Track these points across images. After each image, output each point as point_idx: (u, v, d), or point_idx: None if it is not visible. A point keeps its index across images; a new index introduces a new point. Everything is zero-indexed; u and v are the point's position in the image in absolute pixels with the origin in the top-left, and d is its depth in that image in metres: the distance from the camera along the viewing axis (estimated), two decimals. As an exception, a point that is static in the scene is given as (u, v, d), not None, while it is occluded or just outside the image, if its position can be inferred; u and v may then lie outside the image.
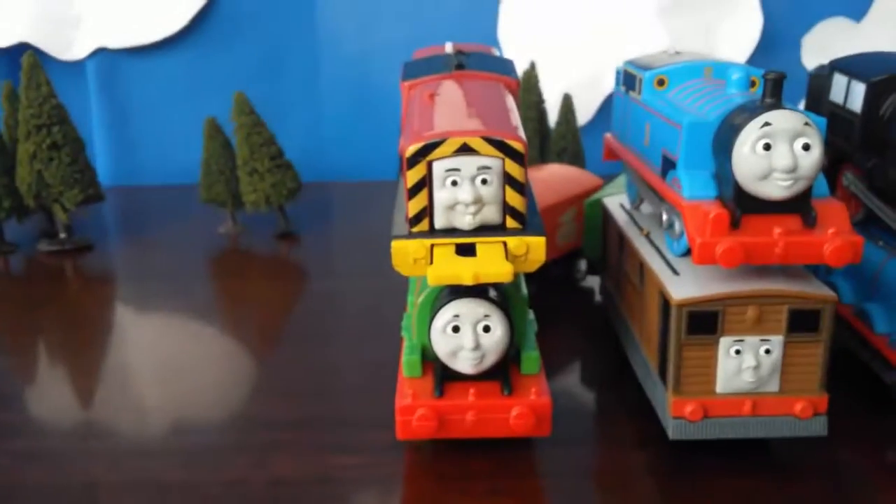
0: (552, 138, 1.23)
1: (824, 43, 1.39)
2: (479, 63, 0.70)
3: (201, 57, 1.42)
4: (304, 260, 1.08)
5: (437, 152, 0.54)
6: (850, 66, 0.72)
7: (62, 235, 1.10)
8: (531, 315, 0.64)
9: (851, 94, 0.70)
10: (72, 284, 1.00)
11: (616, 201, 0.80)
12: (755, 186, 0.53)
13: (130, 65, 1.42)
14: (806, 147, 0.52)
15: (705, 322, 0.56)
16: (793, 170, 0.52)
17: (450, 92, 0.64)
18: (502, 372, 0.59)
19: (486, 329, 0.57)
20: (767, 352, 0.56)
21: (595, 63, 1.37)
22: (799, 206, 0.54)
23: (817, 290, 0.56)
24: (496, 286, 0.60)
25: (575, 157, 1.21)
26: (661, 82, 0.67)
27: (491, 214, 0.56)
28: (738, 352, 0.56)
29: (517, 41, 1.39)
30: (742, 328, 0.56)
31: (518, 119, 0.60)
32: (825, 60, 0.87)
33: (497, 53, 0.79)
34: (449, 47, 0.76)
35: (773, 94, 0.54)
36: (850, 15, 1.38)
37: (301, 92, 1.43)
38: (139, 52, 1.40)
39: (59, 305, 0.91)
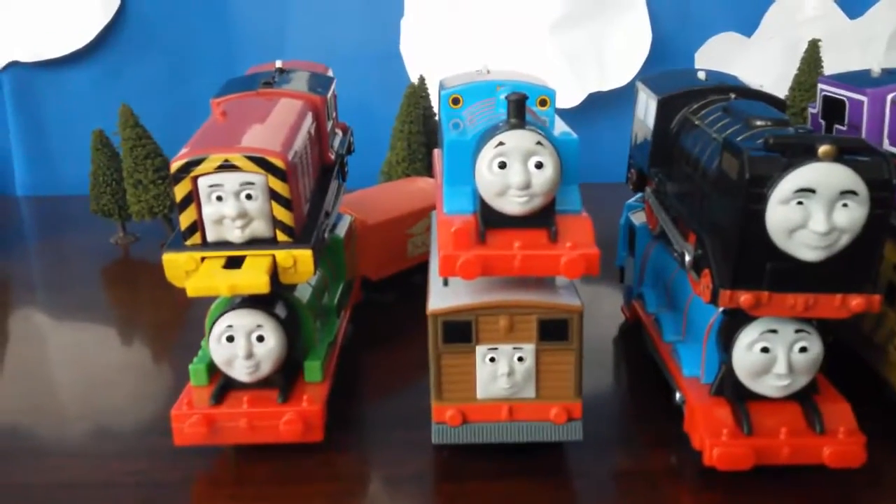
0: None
1: (717, 56, 1.42)
2: (291, 81, 0.73)
3: (112, 69, 1.44)
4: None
5: (200, 169, 0.57)
6: (651, 83, 0.75)
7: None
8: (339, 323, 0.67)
9: (648, 110, 0.73)
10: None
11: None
12: (495, 202, 0.56)
13: (43, 78, 1.44)
14: (539, 165, 0.55)
15: (460, 331, 0.58)
16: (526, 187, 0.55)
17: (240, 110, 0.66)
18: (283, 380, 0.61)
19: (260, 339, 0.60)
20: (521, 359, 0.59)
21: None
22: (542, 220, 0.57)
23: (565, 300, 0.59)
24: (283, 297, 0.63)
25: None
26: (455, 101, 0.69)
27: (261, 228, 0.59)
28: (492, 359, 0.59)
29: (418, 55, 1.42)
30: (495, 337, 0.58)
31: (297, 136, 0.62)
32: None
33: (328, 72, 0.81)
34: (278, 64, 0.79)
35: (517, 114, 0.56)
36: (741, 30, 1.42)
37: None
38: (51, 65, 1.43)
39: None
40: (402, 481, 0.61)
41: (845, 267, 0.53)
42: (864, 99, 0.69)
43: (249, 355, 0.59)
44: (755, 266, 0.54)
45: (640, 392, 0.73)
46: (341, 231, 0.79)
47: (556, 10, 1.37)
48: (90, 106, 1.44)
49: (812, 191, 0.51)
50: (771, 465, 0.57)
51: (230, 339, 0.59)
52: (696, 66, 1.43)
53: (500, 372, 0.59)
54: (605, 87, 1.39)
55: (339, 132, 0.79)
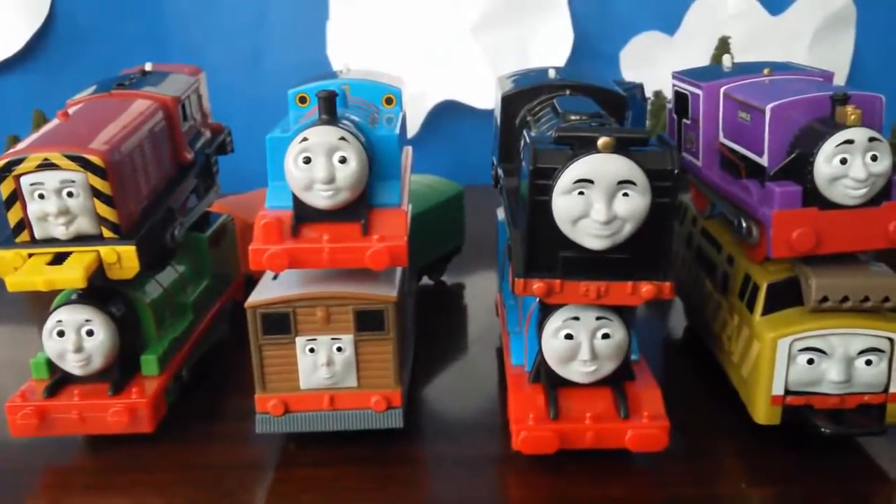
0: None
1: (641, 56, 1.43)
2: (148, 83, 0.75)
3: (43, 77, 1.46)
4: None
5: (21, 168, 0.59)
6: (503, 80, 0.76)
7: None
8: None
9: (497, 106, 0.75)
10: None
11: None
12: (303, 196, 0.58)
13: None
14: (343, 160, 0.56)
15: (279, 323, 0.60)
16: (330, 181, 0.56)
17: (86, 111, 0.68)
18: (117, 373, 0.63)
19: (90, 333, 0.61)
20: (340, 350, 0.60)
21: (418, 79, 1.42)
22: (353, 214, 0.59)
23: (380, 292, 0.60)
24: (122, 293, 0.65)
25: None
26: (302, 100, 0.71)
27: (85, 225, 0.60)
28: (312, 350, 0.60)
29: (345, 58, 1.44)
30: (314, 328, 0.60)
31: (131, 135, 0.64)
32: (644, 73, 0.91)
33: (198, 75, 0.83)
34: (147, 66, 0.80)
35: (327, 111, 0.58)
36: (664, 29, 1.43)
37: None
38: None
39: None
40: (233, 469, 0.62)
41: (635, 255, 0.55)
42: (700, 93, 0.71)
43: (79, 349, 0.61)
44: (548, 255, 0.55)
45: (481, 384, 0.75)
46: (214, 229, 0.80)
47: (477, 11, 1.39)
48: (23, 113, 1.46)
49: (590, 181, 0.52)
50: (577, 448, 0.58)
51: (60, 333, 0.61)
52: (622, 66, 1.45)
53: (319, 362, 0.60)
54: (527, 88, 1.40)
55: (207, 132, 0.81)
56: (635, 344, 0.64)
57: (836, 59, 1.45)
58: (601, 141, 0.52)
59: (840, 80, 1.45)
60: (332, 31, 1.44)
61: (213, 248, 0.79)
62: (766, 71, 0.69)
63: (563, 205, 0.53)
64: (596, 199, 0.52)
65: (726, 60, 0.75)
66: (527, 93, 0.71)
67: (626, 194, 0.53)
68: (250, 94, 1.42)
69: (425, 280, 0.98)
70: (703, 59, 1.39)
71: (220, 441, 0.66)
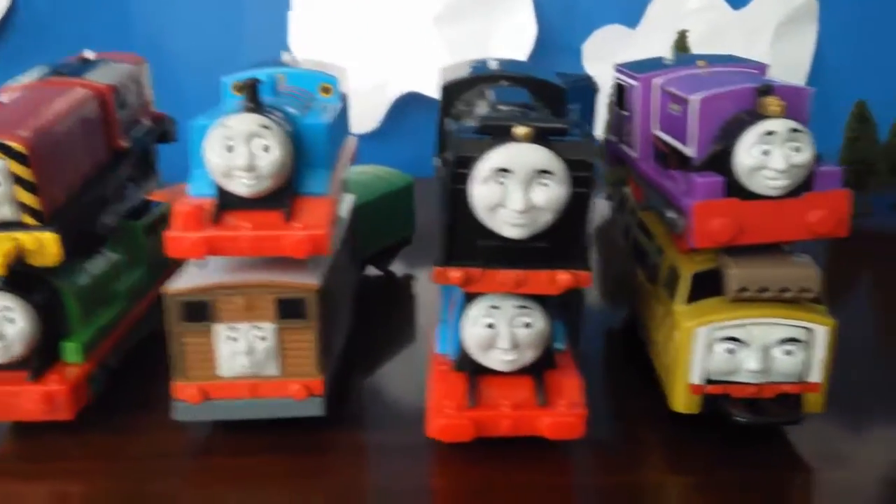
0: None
1: (603, 49, 1.43)
2: (86, 71, 0.74)
3: (2, 68, 1.45)
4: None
5: (-61, 154, 0.58)
6: (444, 71, 0.76)
7: None
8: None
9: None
10: None
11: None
12: (224, 184, 0.57)
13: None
14: (265, 148, 0.56)
15: (198, 311, 0.60)
16: (251, 169, 0.56)
17: (18, 98, 0.67)
18: (38, 360, 0.63)
19: (11, 320, 0.61)
20: (261, 338, 0.60)
21: (380, 70, 1.42)
22: (276, 202, 0.58)
23: (303, 280, 0.60)
24: (46, 280, 0.64)
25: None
26: (240, 89, 0.70)
27: (7, 212, 0.60)
28: (233, 338, 0.60)
29: (307, 48, 1.43)
30: (235, 316, 0.60)
31: (58, 122, 0.63)
32: (606, 66, 0.90)
33: (141, 64, 0.82)
34: (89, 54, 0.80)
35: (250, 98, 0.58)
36: (626, 22, 1.43)
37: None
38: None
39: None
40: (154, 457, 0.62)
41: (554, 244, 0.55)
42: (637, 84, 0.71)
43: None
44: (467, 244, 0.55)
45: (421, 374, 0.74)
46: (152, 218, 0.80)
47: (441, 3, 1.38)
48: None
49: (508, 170, 0.52)
50: (494, 436, 0.58)
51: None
52: (584, 59, 1.45)
53: (239, 350, 0.60)
54: (490, 80, 1.40)
55: (147, 121, 0.80)
56: (561, 333, 0.64)
57: (799, 53, 1.45)
58: (519, 130, 0.52)
59: (802, 74, 1.46)
60: (295, 22, 1.43)
61: (151, 236, 0.79)
62: (701, 63, 0.69)
63: (481, 193, 0.53)
64: (513, 188, 0.52)
65: (669, 53, 0.76)
66: (465, 83, 0.71)
67: (543, 184, 0.53)
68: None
69: (375, 271, 0.98)
70: (664, 53, 1.39)
71: (145, 430, 0.65)
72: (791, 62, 1.45)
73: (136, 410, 0.68)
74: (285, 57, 0.78)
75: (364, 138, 1.44)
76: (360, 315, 0.84)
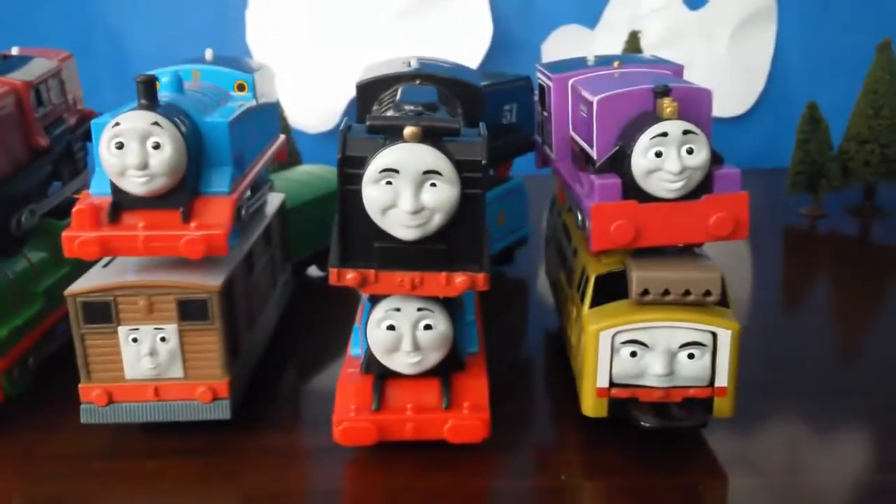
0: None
1: (562, 48, 1.43)
2: (6, 67, 0.73)
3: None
4: None
5: None
6: (367, 69, 0.76)
7: None
8: None
9: (359, 96, 0.74)
10: None
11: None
12: (119, 183, 0.57)
13: None
14: (156, 146, 0.56)
15: (100, 312, 0.59)
16: (143, 167, 0.56)
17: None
18: None
19: None
20: (163, 339, 0.60)
21: (340, 67, 1.41)
22: (173, 201, 0.58)
23: (206, 281, 0.59)
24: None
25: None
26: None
27: None
28: (135, 339, 0.59)
29: (265, 47, 1.43)
30: (137, 317, 0.59)
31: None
32: None
33: (67, 60, 0.82)
34: (14, 50, 0.79)
35: (146, 96, 0.57)
36: (584, 22, 1.43)
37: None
38: None
39: None
40: (59, 459, 0.62)
41: (450, 246, 0.54)
42: (552, 85, 0.70)
43: None
44: (364, 245, 0.55)
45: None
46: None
47: (396, 1, 1.38)
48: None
49: (396, 171, 0.52)
50: (397, 440, 0.58)
51: None
52: (543, 59, 1.44)
53: (143, 352, 0.60)
54: (446, 79, 1.39)
55: (72, 119, 0.80)
56: (474, 336, 0.64)
57: (758, 54, 1.45)
58: (407, 130, 0.52)
59: (761, 75, 1.45)
60: (252, 19, 1.43)
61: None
62: (615, 64, 0.69)
63: (372, 195, 0.52)
64: (403, 188, 0.52)
65: (591, 54, 0.75)
66: (381, 82, 0.71)
67: (433, 184, 0.52)
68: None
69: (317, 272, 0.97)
70: (618, 52, 1.39)
71: (55, 431, 0.65)
72: (749, 63, 1.45)
73: (56, 411, 0.67)
74: (208, 54, 0.77)
75: (321, 137, 1.45)
76: (296, 316, 0.84)
